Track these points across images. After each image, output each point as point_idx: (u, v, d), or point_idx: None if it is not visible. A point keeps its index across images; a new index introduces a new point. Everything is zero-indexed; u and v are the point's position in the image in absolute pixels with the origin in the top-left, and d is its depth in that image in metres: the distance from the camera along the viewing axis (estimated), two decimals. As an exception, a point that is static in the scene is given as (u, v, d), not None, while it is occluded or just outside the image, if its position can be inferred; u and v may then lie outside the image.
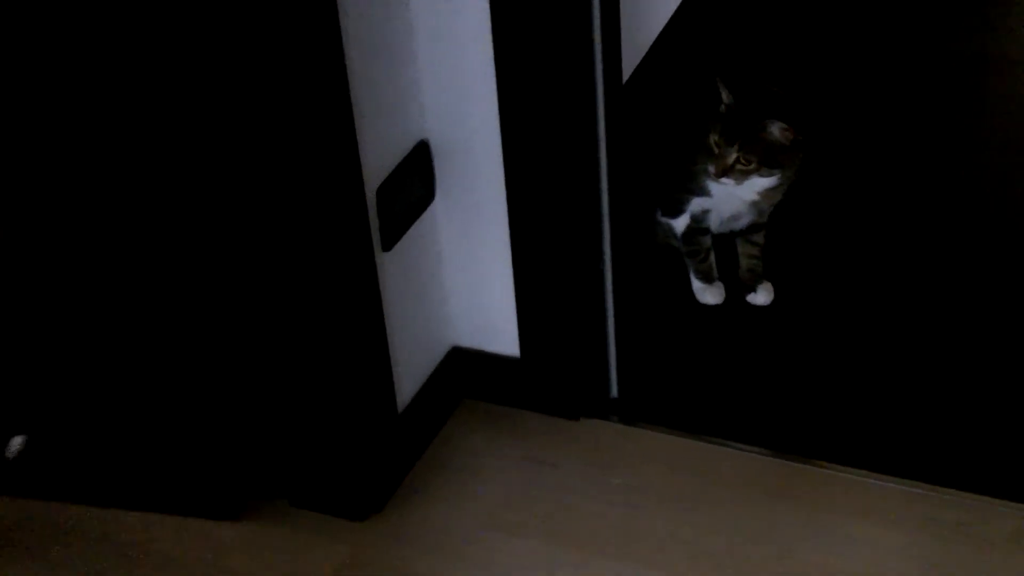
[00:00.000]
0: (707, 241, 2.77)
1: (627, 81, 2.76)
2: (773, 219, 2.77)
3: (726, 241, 2.84)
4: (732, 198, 2.65)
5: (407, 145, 2.32)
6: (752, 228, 2.77)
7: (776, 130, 2.54)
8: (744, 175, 2.57)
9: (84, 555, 2.37)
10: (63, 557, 2.37)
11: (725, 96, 2.56)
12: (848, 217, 3.00)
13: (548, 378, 2.55)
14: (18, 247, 2.27)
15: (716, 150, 2.57)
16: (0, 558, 2.39)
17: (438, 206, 2.42)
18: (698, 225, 2.75)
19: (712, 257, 2.79)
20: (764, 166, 2.56)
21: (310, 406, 2.32)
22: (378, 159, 2.23)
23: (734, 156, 2.55)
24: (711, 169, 2.57)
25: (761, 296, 2.78)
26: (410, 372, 2.47)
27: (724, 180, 2.58)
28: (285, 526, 2.39)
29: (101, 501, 2.45)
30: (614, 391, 2.59)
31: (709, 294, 2.79)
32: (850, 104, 3.36)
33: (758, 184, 2.61)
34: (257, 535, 2.39)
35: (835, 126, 3.21)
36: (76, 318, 2.29)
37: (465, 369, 2.59)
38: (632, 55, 2.90)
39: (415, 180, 2.34)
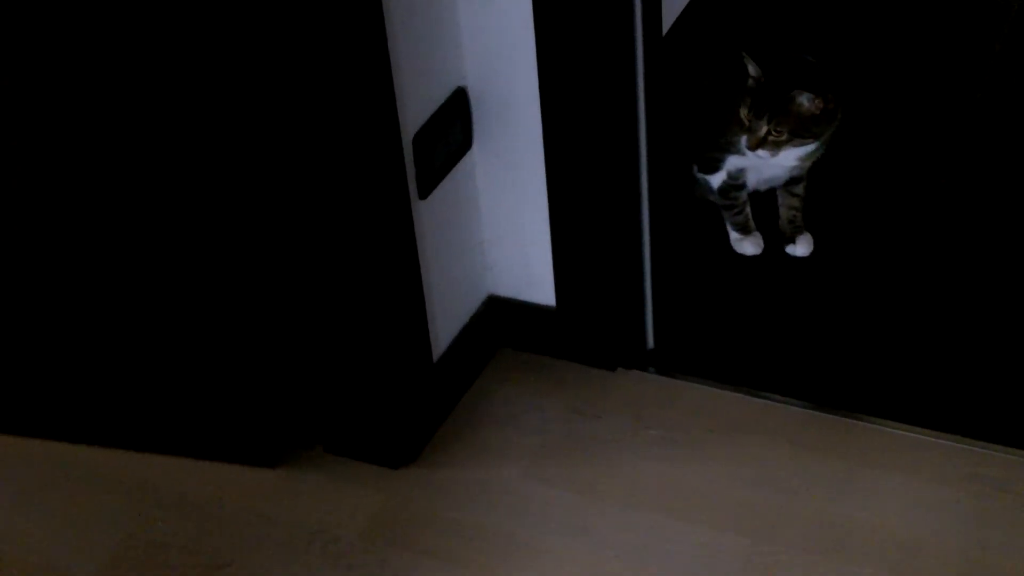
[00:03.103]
0: (743, 196, 2.75)
1: (666, 34, 2.73)
2: (814, 170, 2.74)
3: (766, 191, 2.81)
4: (768, 164, 2.63)
5: (445, 92, 2.29)
6: (792, 180, 2.75)
7: (805, 101, 2.52)
8: (777, 146, 2.56)
9: (119, 499, 2.38)
10: (98, 501, 2.38)
11: (752, 70, 2.55)
12: (889, 169, 2.96)
13: (584, 328, 2.54)
14: (54, 177, 2.27)
15: (747, 124, 2.56)
16: (36, 501, 2.40)
17: (475, 154, 2.40)
18: (734, 181, 2.73)
19: (748, 210, 2.77)
20: (796, 137, 2.55)
21: (346, 354, 2.32)
22: (415, 106, 2.22)
23: (765, 129, 2.54)
24: (745, 142, 2.56)
25: (800, 247, 2.76)
26: (446, 321, 2.45)
27: (759, 153, 2.56)
28: (320, 473, 2.40)
29: (138, 446, 2.45)
30: (651, 342, 2.57)
31: (747, 244, 2.76)
32: (890, 58, 3.32)
33: (794, 153, 2.59)
34: (292, 482, 2.39)
35: (875, 80, 3.17)
36: (121, 259, 2.29)
37: (501, 318, 2.58)
38: (672, 7, 2.87)
39: (453, 127, 2.32)
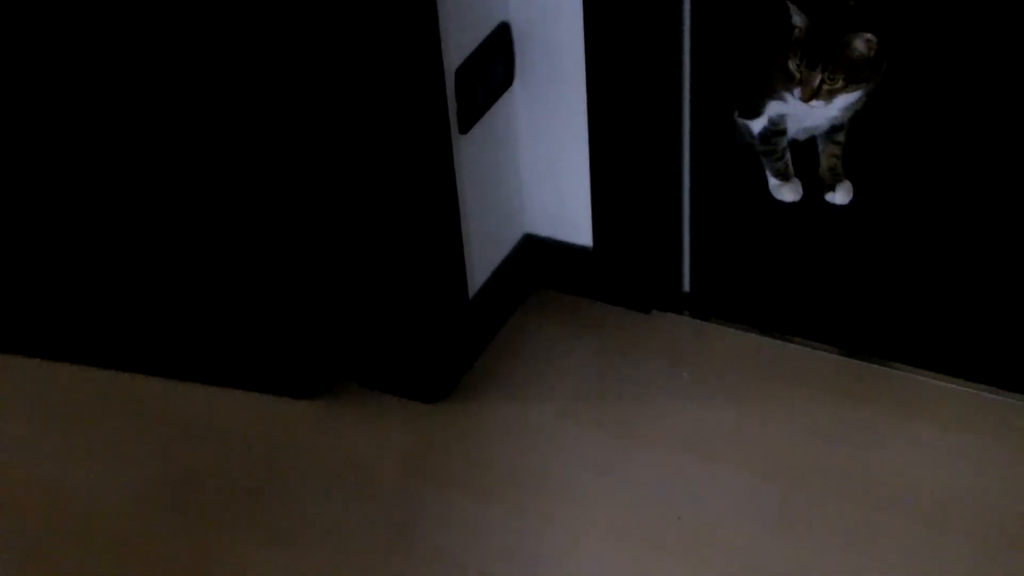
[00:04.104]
0: (783, 142, 2.73)
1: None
2: (855, 120, 2.72)
3: (804, 141, 2.79)
4: (810, 113, 2.61)
5: (488, 26, 2.28)
6: (833, 129, 2.73)
7: (860, 43, 2.49)
8: (832, 95, 2.54)
9: (156, 428, 2.39)
10: (135, 428, 2.39)
11: (799, 20, 2.51)
12: (929, 118, 2.94)
13: (620, 270, 2.53)
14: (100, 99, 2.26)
15: (798, 75, 2.52)
16: (75, 427, 2.41)
17: (516, 92, 2.39)
18: (775, 128, 2.71)
19: (788, 156, 2.75)
20: (851, 83, 2.52)
21: (383, 287, 2.32)
22: (458, 39, 2.20)
23: (819, 79, 2.51)
24: (797, 95, 2.53)
25: (840, 195, 2.74)
26: (482, 258, 2.45)
27: (814, 104, 2.54)
28: (354, 407, 2.40)
29: (176, 375, 2.46)
30: (686, 285, 2.56)
31: (786, 191, 2.74)
32: (931, 5, 3.28)
33: (843, 101, 2.57)
34: (327, 414, 2.39)
35: (916, 28, 3.13)
36: (165, 187, 2.28)
37: (537, 258, 2.57)
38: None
39: (495, 63, 2.31)
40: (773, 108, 2.67)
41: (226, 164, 2.22)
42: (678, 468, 2.26)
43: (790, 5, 2.52)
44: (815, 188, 2.76)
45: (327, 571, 2.14)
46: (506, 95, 2.37)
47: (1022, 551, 2.10)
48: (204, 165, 2.23)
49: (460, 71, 2.22)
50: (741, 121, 2.75)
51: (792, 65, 2.54)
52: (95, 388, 2.47)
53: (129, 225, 2.34)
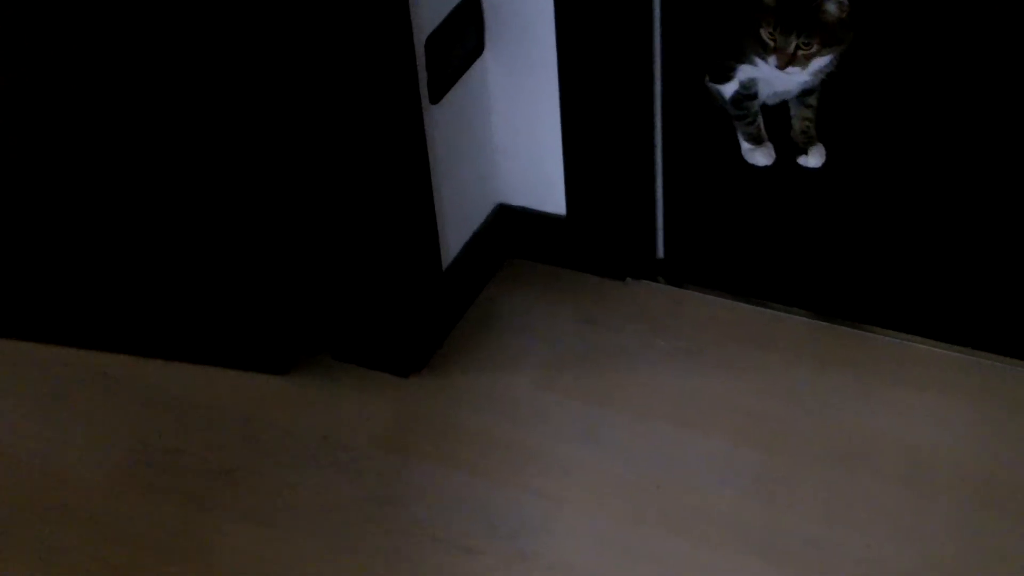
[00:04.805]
0: (755, 105, 2.72)
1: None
2: (827, 82, 2.71)
3: (775, 105, 2.79)
4: (781, 77, 2.60)
5: (458, -6, 2.27)
6: (805, 92, 2.72)
7: (833, 6, 2.50)
8: (808, 59, 2.54)
9: (131, 406, 2.38)
10: (110, 406, 2.38)
11: None
12: (902, 79, 2.93)
13: (595, 238, 2.52)
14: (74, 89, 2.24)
15: (773, 43, 2.52)
16: (50, 407, 2.39)
17: (488, 60, 2.37)
18: (747, 92, 2.70)
19: (760, 120, 2.74)
20: (825, 46, 2.52)
21: (356, 260, 2.30)
22: (428, 8, 2.18)
23: (794, 44, 2.51)
24: (774, 62, 2.53)
25: (813, 158, 2.73)
26: (456, 228, 2.43)
27: (790, 70, 2.54)
28: (329, 381, 2.39)
29: (149, 352, 2.44)
30: (661, 252, 2.55)
31: (759, 154, 2.74)
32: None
33: (816, 65, 2.57)
34: (301, 389, 2.38)
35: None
36: (135, 166, 2.26)
37: (511, 227, 2.56)
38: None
39: (466, 31, 2.29)
40: (744, 72, 2.67)
41: (196, 140, 2.20)
42: (657, 435, 2.25)
43: None
44: (788, 152, 2.75)
45: (306, 546, 2.13)
46: (477, 64, 2.35)
47: (1000, 510, 2.11)
48: (174, 143, 2.21)
49: (430, 40, 2.20)
50: (712, 86, 2.74)
51: (765, 33, 2.53)
52: (70, 366, 2.45)
53: (99, 203, 2.32)
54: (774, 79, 2.63)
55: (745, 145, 2.75)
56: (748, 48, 2.59)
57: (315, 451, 2.27)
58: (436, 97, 2.25)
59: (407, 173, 2.23)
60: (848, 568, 2.05)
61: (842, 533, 2.09)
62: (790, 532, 2.10)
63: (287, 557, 2.12)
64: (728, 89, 2.71)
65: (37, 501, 2.23)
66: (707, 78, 2.75)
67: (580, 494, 2.18)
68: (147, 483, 2.25)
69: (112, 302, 2.43)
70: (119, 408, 2.37)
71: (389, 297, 2.33)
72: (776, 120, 2.78)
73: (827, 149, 2.74)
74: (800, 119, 2.74)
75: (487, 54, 2.36)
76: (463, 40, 2.29)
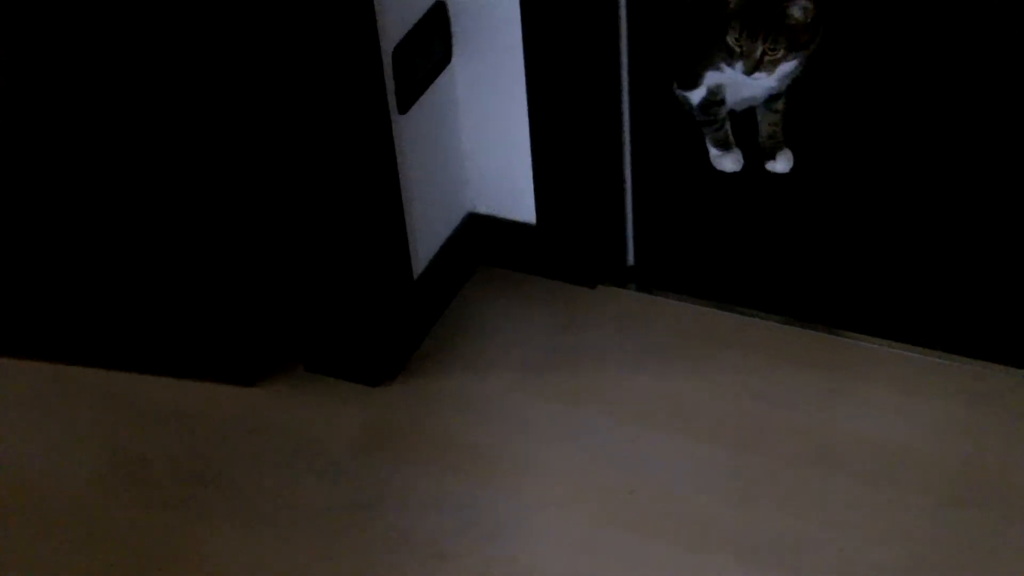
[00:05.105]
0: (723, 111, 2.74)
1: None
2: (792, 87, 2.73)
3: (742, 111, 2.80)
4: (750, 82, 2.61)
5: (425, 5, 2.27)
6: (771, 97, 2.73)
7: (797, 10, 2.50)
8: (775, 64, 2.54)
9: (105, 416, 2.37)
10: (84, 418, 2.38)
11: None
12: (869, 83, 2.95)
13: (565, 245, 2.53)
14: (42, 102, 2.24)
15: (739, 49, 2.53)
16: (23, 418, 2.39)
17: (456, 69, 2.38)
18: (714, 97, 2.71)
19: (728, 126, 2.75)
20: (791, 50, 2.53)
21: (326, 271, 2.30)
22: (395, 19, 2.19)
23: (760, 49, 2.51)
24: (740, 68, 2.54)
25: (780, 163, 2.74)
26: (426, 238, 2.44)
27: (757, 76, 2.55)
28: (302, 391, 2.39)
29: (121, 364, 2.44)
30: (631, 258, 2.57)
31: (727, 161, 2.75)
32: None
33: (783, 70, 2.58)
34: (275, 399, 2.38)
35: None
36: (99, 182, 2.26)
37: (481, 236, 2.56)
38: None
39: (432, 41, 2.30)
40: (711, 78, 2.68)
41: (167, 152, 2.20)
42: (632, 437, 2.26)
43: None
44: (756, 157, 2.77)
45: (283, 552, 2.13)
46: (445, 73, 2.36)
47: (973, 507, 2.12)
48: (144, 155, 2.21)
49: (397, 50, 2.21)
50: (680, 92, 2.76)
51: (731, 39, 2.53)
52: (44, 380, 2.45)
53: (70, 216, 2.32)
54: (741, 85, 2.65)
55: (713, 151, 2.76)
56: (715, 54, 2.60)
57: (290, 457, 2.27)
58: (404, 107, 2.26)
59: (376, 183, 2.24)
60: (822, 568, 2.06)
61: (816, 533, 2.10)
62: (764, 533, 2.11)
63: (263, 563, 2.12)
64: (696, 95, 2.72)
65: (15, 508, 2.23)
66: (675, 85, 2.76)
67: (555, 497, 2.19)
68: (123, 492, 2.24)
69: (84, 315, 2.43)
70: (92, 419, 2.37)
71: (361, 307, 2.33)
72: (744, 126, 2.80)
73: (795, 154, 2.76)
74: (767, 124, 2.75)
75: (455, 63, 2.37)
76: (430, 50, 2.29)
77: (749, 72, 2.54)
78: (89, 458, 2.30)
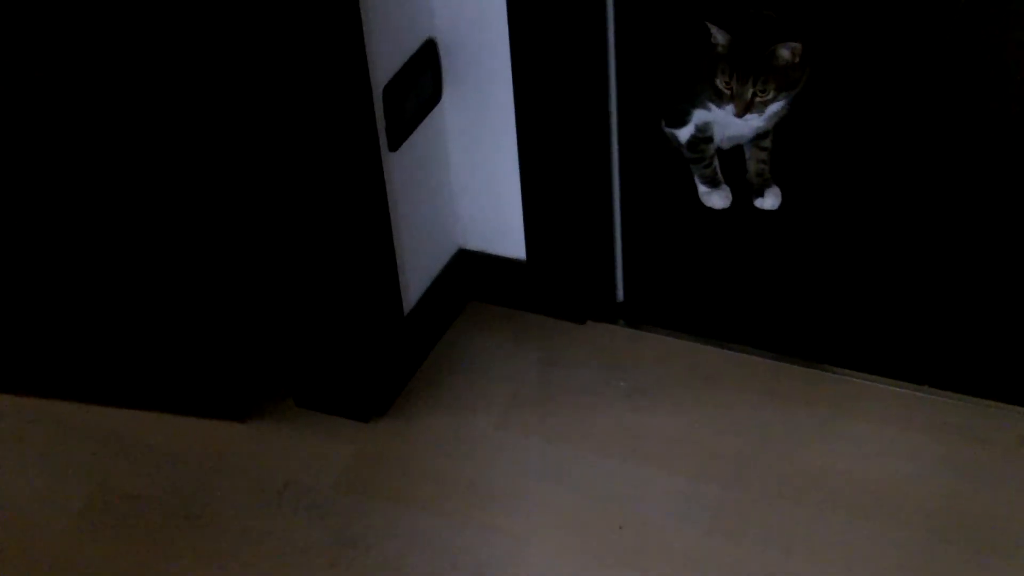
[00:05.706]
0: (711, 148, 2.75)
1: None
2: (780, 124, 2.75)
3: (734, 146, 2.82)
4: (737, 121, 2.62)
5: (415, 43, 2.29)
6: (759, 136, 2.75)
7: (786, 52, 2.52)
8: (765, 105, 2.56)
9: (91, 453, 2.38)
10: (70, 454, 2.38)
11: (721, 37, 2.53)
12: (856, 122, 2.97)
13: (554, 281, 2.54)
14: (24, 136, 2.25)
15: (728, 91, 2.55)
16: (8, 454, 2.39)
17: (446, 107, 2.40)
18: (702, 135, 2.73)
19: (716, 163, 2.77)
20: (781, 91, 2.55)
21: (316, 307, 2.31)
22: (385, 57, 2.21)
23: (751, 91, 2.53)
24: (731, 110, 2.56)
25: (769, 200, 2.76)
26: (416, 274, 2.45)
27: (747, 117, 2.57)
28: (291, 426, 2.40)
29: (107, 400, 2.44)
30: (620, 295, 2.58)
31: (715, 197, 2.77)
32: (855, 8, 3.32)
33: (771, 110, 2.60)
34: (263, 434, 2.39)
35: (840, 33, 3.17)
36: (84, 216, 2.27)
37: (471, 271, 2.58)
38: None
39: (423, 79, 2.31)
40: (698, 116, 2.70)
41: (157, 182, 2.21)
42: (620, 473, 2.27)
43: (710, 25, 2.53)
44: (745, 194, 2.79)
45: (270, 589, 2.14)
46: (435, 111, 2.38)
47: (956, 542, 2.13)
48: (133, 186, 2.22)
49: (388, 89, 2.23)
50: (668, 130, 2.78)
51: (720, 83, 2.55)
52: (28, 414, 2.45)
53: (55, 248, 2.33)
54: (728, 123, 2.67)
55: (702, 188, 2.78)
56: (704, 96, 2.62)
57: (277, 494, 2.27)
58: (395, 145, 2.28)
59: (367, 220, 2.25)
60: (809, 602, 2.07)
61: (803, 568, 2.11)
62: (751, 568, 2.11)
63: (251, 602, 2.13)
64: (684, 133, 2.74)
65: (1, 547, 2.23)
66: (663, 123, 2.78)
67: (542, 533, 2.19)
68: (109, 528, 2.24)
69: (72, 350, 2.44)
70: (77, 455, 2.37)
71: (351, 343, 2.35)
72: (732, 163, 2.82)
73: (783, 191, 2.78)
74: (755, 161, 2.77)
75: (445, 101, 2.39)
76: (420, 88, 2.31)
77: (740, 114, 2.56)
78: (77, 493, 2.30)
